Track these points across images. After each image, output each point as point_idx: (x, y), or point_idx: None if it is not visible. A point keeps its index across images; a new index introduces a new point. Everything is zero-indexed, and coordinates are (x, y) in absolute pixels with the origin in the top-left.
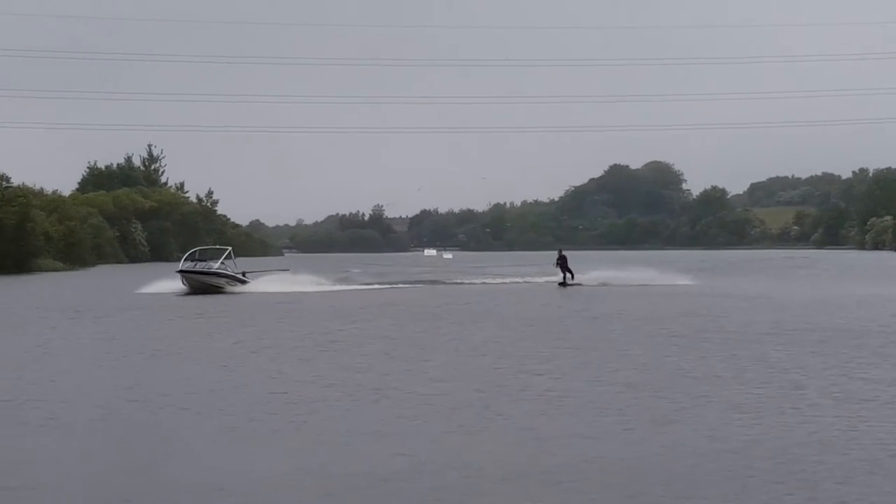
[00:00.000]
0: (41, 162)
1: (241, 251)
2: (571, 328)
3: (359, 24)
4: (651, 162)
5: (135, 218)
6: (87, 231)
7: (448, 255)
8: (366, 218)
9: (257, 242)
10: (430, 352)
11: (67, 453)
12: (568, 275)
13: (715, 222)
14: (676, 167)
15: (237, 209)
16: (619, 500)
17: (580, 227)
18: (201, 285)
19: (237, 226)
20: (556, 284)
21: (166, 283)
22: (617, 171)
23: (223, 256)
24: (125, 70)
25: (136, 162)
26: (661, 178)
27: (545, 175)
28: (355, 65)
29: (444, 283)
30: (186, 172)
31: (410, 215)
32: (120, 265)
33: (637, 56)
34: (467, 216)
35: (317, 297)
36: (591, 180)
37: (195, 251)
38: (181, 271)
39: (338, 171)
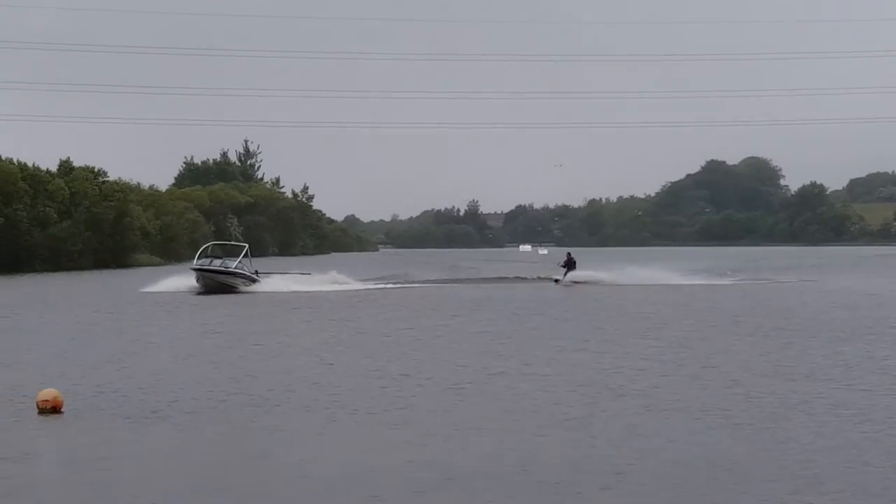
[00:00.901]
0: (139, 157)
1: (336, 246)
2: (673, 323)
3: (460, 20)
4: (749, 157)
5: (231, 213)
6: (184, 226)
7: (544, 251)
8: (461, 213)
9: (352, 238)
10: (530, 347)
11: (173, 445)
12: (568, 274)
13: (814, 218)
14: (774, 163)
15: (333, 204)
16: (735, 496)
17: (679, 221)
18: (217, 284)
19: (332, 221)
20: (553, 282)
21: (176, 280)
22: (714, 167)
23: (241, 255)
24: (223, 66)
25: (233, 157)
26: (759, 174)
27: (641, 171)
28: (450, 60)
29: (533, 279)
30: (282, 167)
31: (506, 211)
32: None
33: (735, 51)
34: (563, 212)
35: (388, 294)
36: (688, 176)
37: (208, 246)
38: (199, 269)
39: (434, 166)
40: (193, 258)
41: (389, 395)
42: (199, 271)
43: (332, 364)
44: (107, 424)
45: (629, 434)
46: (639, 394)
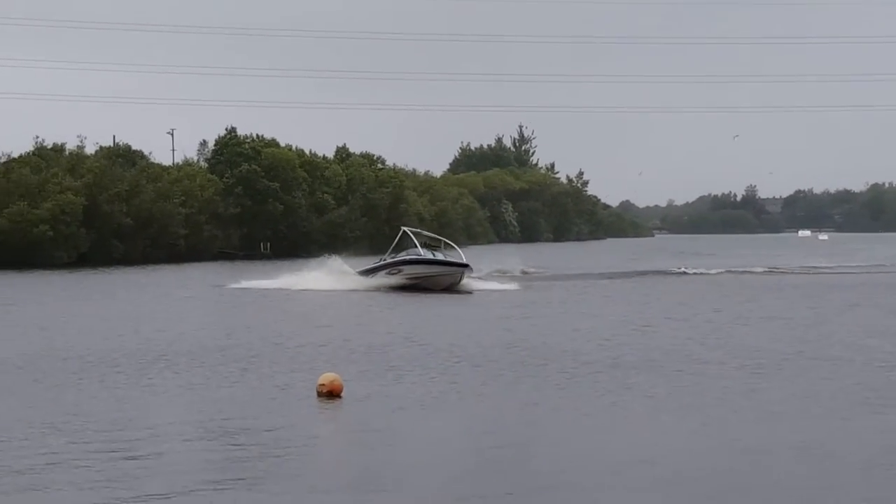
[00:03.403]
0: (414, 144)
1: (611, 232)
2: None
3: (732, 2)
4: None
5: (505, 198)
6: (459, 212)
7: (824, 237)
8: (738, 199)
9: (628, 223)
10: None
11: (436, 432)
12: None
13: None
14: None
15: (607, 190)
16: None
17: None
18: (450, 280)
19: (607, 207)
20: None
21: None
22: None
23: (449, 247)
24: (496, 51)
25: (507, 143)
26: None
27: None
28: (725, 43)
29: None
30: (557, 153)
31: (784, 195)
32: (490, 245)
33: None
34: (843, 196)
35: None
36: None
37: (421, 236)
38: (441, 262)
39: (710, 150)
40: (467, 244)
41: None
42: (441, 264)
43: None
44: (384, 410)
45: None
46: None
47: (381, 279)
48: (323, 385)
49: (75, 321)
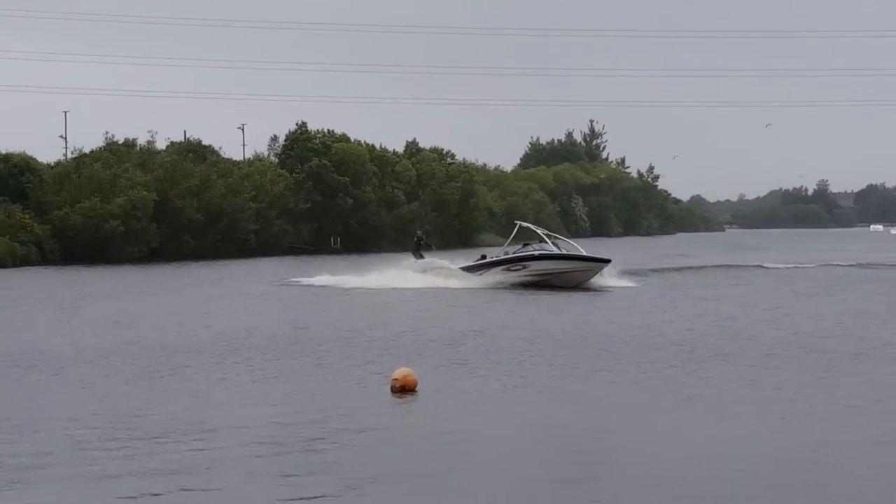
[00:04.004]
0: (484, 138)
1: (681, 227)
2: None
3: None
4: None
5: (575, 193)
6: (529, 206)
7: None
8: (809, 193)
9: (698, 218)
10: None
11: (517, 423)
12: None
13: None
14: None
15: (678, 184)
16: None
17: None
18: (586, 276)
19: (678, 201)
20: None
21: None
22: None
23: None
24: (568, 46)
25: (578, 137)
26: None
27: None
28: (790, 37)
29: None
30: (627, 147)
31: (856, 190)
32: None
33: None
34: None
35: None
36: None
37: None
38: (577, 256)
39: (781, 145)
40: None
41: None
42: (576, 259)
43: None
44: (457, 403)
45: None
46: None
47: (498, 276)
48: (396, 380)
49: (148, 316)
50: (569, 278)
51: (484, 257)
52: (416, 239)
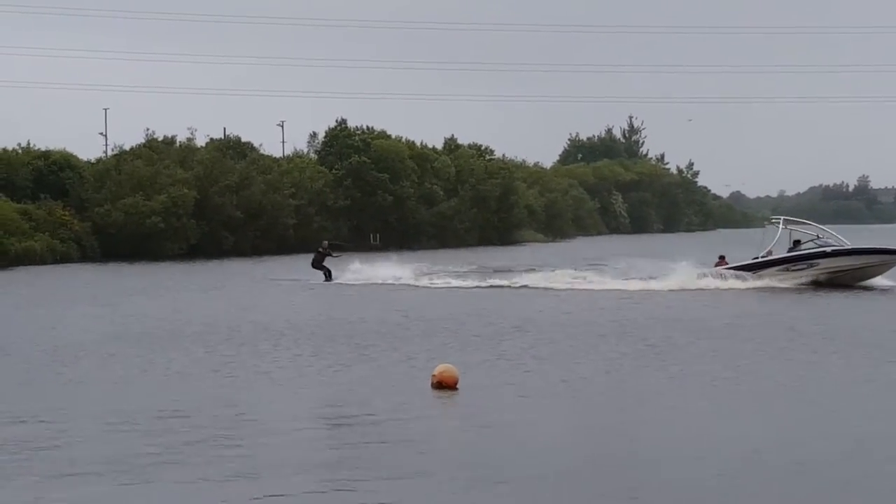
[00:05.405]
0: (524, 135)
1: (721, 223)
2: None
3: None
4: None
5: (615, 189)
6: (568, 203)
7: None
8: (850, 189)
9: (738, 214)
10: None
11: (547, 418)
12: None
13: None
14: None
15: (718, 180)
16: None
17: None
18: (883, 271)
19: (718, 197)
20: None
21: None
22: None
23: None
24: (606, 42)
25: (617, 133)
26: None
27: None
28: (825, 33)
29: None
30: (667, 143)
31: None
32: (600, 236)
33: None
34: None
35: None
36: None
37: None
38: (877, 250)
39: (822, 141)
40: (576, 235)
41: None
42: (874, 253)
43: None
44: (498, 398)
45: None
46: None
47: (776, 276)
48: (434, 375)
49: (189, 310)
50: (864, 273)
51: (722, 258)
52: (319, 249)
